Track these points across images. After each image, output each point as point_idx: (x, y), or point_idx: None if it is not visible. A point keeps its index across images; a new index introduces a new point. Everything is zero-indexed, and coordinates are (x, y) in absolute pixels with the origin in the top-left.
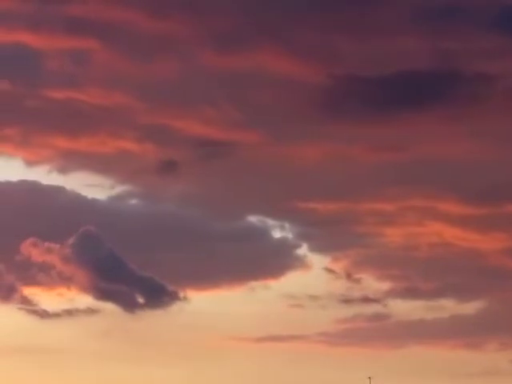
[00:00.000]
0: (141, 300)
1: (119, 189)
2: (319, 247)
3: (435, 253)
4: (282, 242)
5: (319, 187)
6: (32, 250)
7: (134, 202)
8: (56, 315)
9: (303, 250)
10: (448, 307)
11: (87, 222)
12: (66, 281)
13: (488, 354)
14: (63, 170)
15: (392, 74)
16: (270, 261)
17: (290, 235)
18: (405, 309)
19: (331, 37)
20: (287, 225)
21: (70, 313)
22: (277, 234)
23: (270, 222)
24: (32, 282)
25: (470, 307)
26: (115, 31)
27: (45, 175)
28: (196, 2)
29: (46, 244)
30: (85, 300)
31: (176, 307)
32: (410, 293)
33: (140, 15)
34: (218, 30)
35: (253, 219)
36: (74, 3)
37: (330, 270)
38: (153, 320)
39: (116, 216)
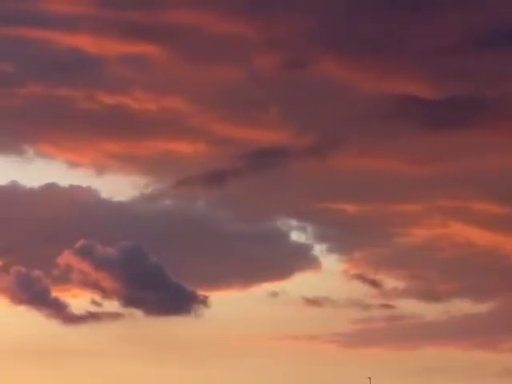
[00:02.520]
0: (164, 304)
1: (156, 190)
2: (337, 248)
3: (457, 253)
4: (302, 243)
5: (349, 189)
6: (66, 255)
7: (167, 203)
8: (82, 319)
9: (322, 251)
10: (463, 307)
11: (125, 229)
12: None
13: (504, 354)
14: (108, 173)
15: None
16: (290, 262)
17: (310, 236)
18: (420, 309)
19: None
20: (309, 226)
21: (96, 317)
22: (298, 236)
23: (294, 223)
24: (62, 285)
25: (486, 307)
26: (173, 36)
27: (90, 178)
28: (256, 8)
29: (78, 249)
30: (112, 304)
31: (196, 309)
32: (426, 293)
33: (204, 19)
34: (278, 37)
35: (278, 220)
36: (131, 8)
37: (346, 271)
38: (175, 322)
39: (149, 220)
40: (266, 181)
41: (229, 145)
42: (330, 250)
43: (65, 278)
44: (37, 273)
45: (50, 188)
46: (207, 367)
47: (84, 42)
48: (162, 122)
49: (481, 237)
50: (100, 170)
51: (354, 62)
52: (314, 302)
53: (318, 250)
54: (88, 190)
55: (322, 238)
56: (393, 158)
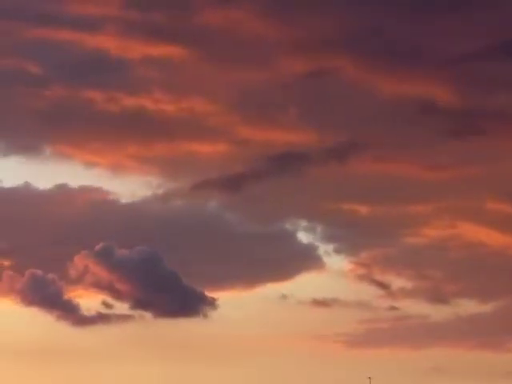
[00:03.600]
0: (174, 306)
1: (170, 191)
2: (345, 249)
3: (466, 254)
4: (310, 243)
5: (363, 191)
6: (79, 257)
7: (180, 204)
8: (93, 320)
9: (330, 251)
10: (469, 307)
11: (137, 231)
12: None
13: (510, 353)
14: (125, 174)
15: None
16: (298, 262)
17: (318, 237)
18: (426, 310)
19: None
20: (319, 227)
21: (106, 318)
22: (307, 236)
23: (304, 223)
24: (73, 287)
25: (492, 307)
26: (197, 38)
27: (107, 179)
28: (280, 11)
29: (91, 251)
30: (122, 306)
31: (204, 310)
32: (433, 294)
33: (228, 21)
34: (300, 40)
35: (288, 222)
36: (156, 10)
37: (353, 271)
38: (184, 324)
39: (161, 221)
40: (283, 183)
41: (248, 146)
42: (338, 251)
43: (76, 280)
44: (48, 274)
45: (65, 188)
46: (217, 368)
47: (108, 44)
48: (184, 123)
49: (491, 237)
50: (117, 171)
51: (376, 66)
52: (321, 302)
53: (326, 250)
54: (104, 191)
55: (330, 238)
56: (409, 163)
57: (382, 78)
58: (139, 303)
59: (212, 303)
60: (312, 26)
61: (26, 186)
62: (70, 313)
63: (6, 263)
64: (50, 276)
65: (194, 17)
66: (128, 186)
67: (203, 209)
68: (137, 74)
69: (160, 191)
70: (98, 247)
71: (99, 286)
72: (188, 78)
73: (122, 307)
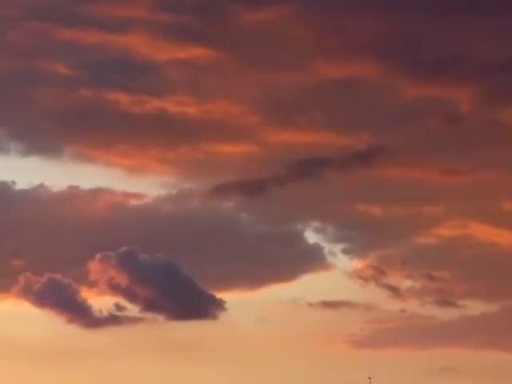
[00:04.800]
0: (184, 308)
1: (185, 191)
2: (354, 249)
3: (475, 254)
4: (320, 244)
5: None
6: (92, 259)
7: (195, 205)
8: (105, 322)
9: (338, 252)
10: (476, 307)
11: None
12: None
13: None
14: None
15: None
16: (306, 263)
17: (328, 237)
18: (434, 310)
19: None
20: (330, 227)
21: (118, 320)
22: (318, 237)
23: (316, 224)
24: (84, 288)
25: (499, 307)
26: (225, 40)
27: (125, 181)
28: (309, 14)
29: (108, 253)
30: (134, 308)
31: (214, 311)
32: (441, 294)
33: (256, 24)
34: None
35: (300, 222)
36: (185, 12)
37: (361, 272)
38: (194, 326)
39: (174, 223)
40: (302, 186)
41: (271, 149)
42: (348, 251)
43: (88, 282)
44: (63, 276)
45: (86, 190)
46: (227, 369)
47: (136, 46)
48: (208, 125)
49: (503, 237)
50: (140, 172)
51: (401, 71)
52: (330, 303)
53: (336, 251)
54: (126, 193)
55: (341, 239)
56: (427, 168)
57: (406, 83)
58: (151, 305)
59: (221, 305)
60: (342, 31)
61: (44, 186)
62: (82, 315)
63: (21, 264)
64: (65, 278)
65: (222, 19)
66: (149, 187)
67: (218, 210)
68: (163, 76)
69: (176, 191)
70: (121, 250)
71: (113, 288)
72: (214, 80)
73: (133, 309)
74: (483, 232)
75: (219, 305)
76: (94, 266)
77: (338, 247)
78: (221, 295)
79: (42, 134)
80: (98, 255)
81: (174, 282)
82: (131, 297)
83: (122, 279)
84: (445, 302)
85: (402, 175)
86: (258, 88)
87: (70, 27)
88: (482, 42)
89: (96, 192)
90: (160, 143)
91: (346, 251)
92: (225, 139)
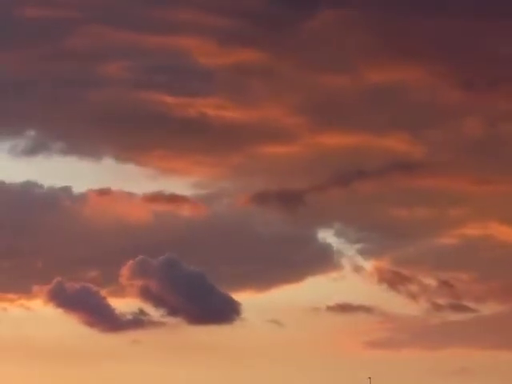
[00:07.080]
0: (205, 312)
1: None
2: (370, 250)
3: (490, 255)
4: (329, 244)
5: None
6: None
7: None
8: (127, 326)
9: (357, 254)
10: (491, 307)
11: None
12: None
13: None
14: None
15: None
16: (318, 264)
17: (340, 239)
18: (448, 310)
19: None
20: (348, 228)
21: (141, 324)
22: (333, 238)
23: (337, 226)
24: (108, 291)
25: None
26: (275, 43)
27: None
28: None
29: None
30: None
31: (232, 314)
32: (456, 295)
33: (307, 27)
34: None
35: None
36: (234, 15)
37: (373, 273)
38: (215, 330)
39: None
40: (334, 192)
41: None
42: (366, 253)
43: (111, 285)
44: (85, 279)
45: (121, 194)
46: (245, 371)
47: (185, 48)
48: (255, 128)
49: None
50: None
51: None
52: (345, 304)
53: (353, 252)
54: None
55: (357, 240)
56: (459, 177)
57: (446, 89)
58: (173, 310)
59: (238, 308)
60: (396, 35)
61: (66, 188)
62: (104, 317)
63: (49, 267)
64: (87, 281)
65: (271, 22)
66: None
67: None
68: (212, 79)
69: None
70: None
71: (133, 291)
72: (262, 83)
73: (156, 314)
74: (503, 233)
75: (238, 308)
76: (124, 272)
77: (354, 248)
78: (239, 297)
79: (83, 136)
80: (131, 262)
81: (199, 287)
82: (155, 301)
83: (146, 284)
84: (460, 302)
85: (430, 183)
86: (306, 90)
87: (121, 31)
88: None
89: (129, 196)
90: (203, 147)
91: (363, 252)
92: (272, 142)
